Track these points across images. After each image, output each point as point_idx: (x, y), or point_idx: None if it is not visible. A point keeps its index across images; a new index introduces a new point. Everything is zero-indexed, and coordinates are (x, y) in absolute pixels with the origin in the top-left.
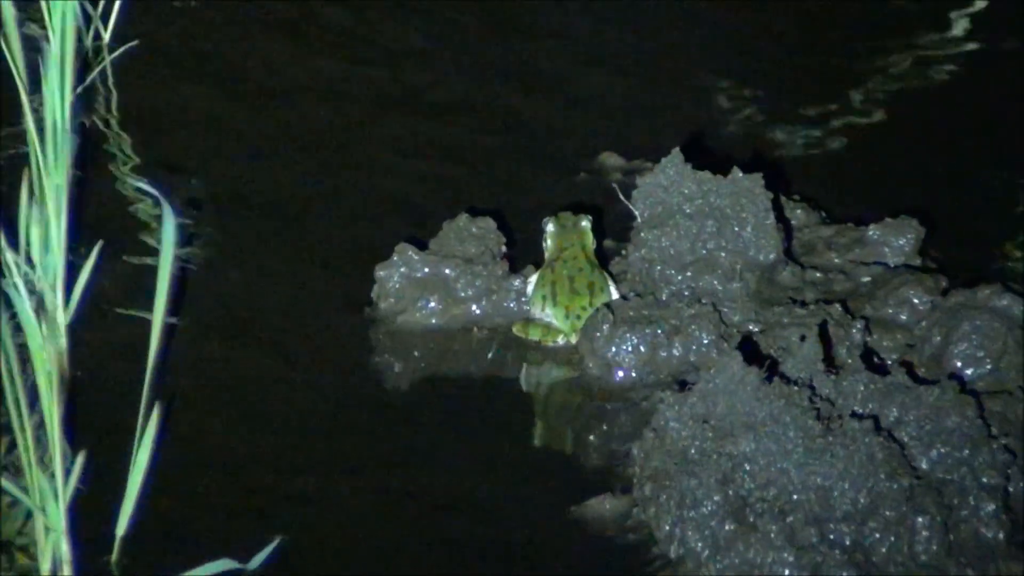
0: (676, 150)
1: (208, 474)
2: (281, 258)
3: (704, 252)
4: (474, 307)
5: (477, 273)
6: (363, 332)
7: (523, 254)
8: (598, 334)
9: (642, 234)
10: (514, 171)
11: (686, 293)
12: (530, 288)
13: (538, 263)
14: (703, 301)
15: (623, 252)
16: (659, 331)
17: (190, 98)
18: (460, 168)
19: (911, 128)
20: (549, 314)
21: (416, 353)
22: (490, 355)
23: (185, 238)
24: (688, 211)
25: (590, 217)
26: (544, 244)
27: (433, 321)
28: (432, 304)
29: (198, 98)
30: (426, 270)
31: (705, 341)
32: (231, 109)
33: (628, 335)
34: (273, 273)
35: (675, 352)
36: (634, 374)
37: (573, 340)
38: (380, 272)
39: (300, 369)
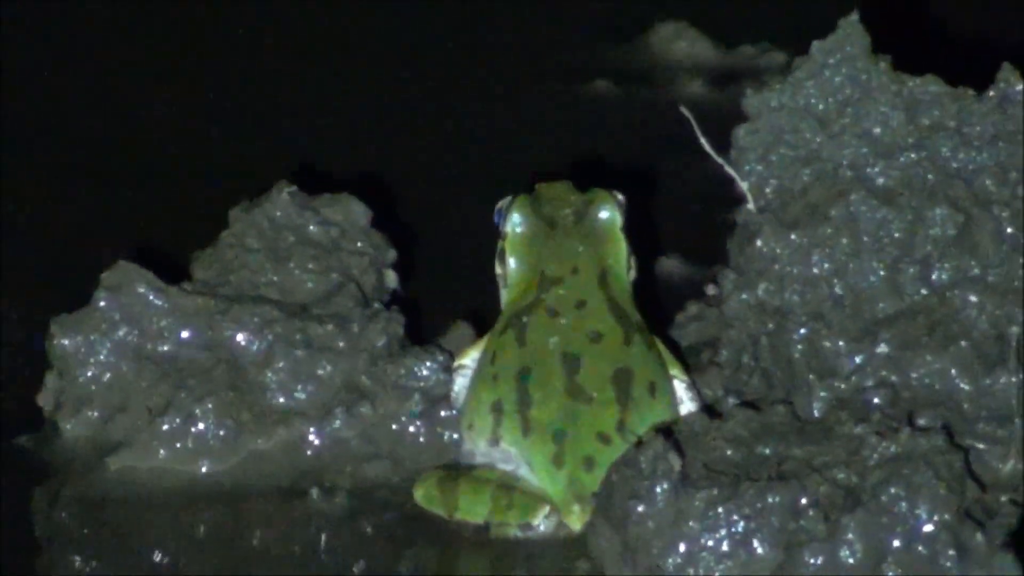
0: (851, 18)
1: None
2: None
3: (922, 291)
4: (311, 433)
5: (320, 341)
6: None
7: (442, 288)
8: (642, 508)
9: (759, 242)
10: (452, 65)
11: (875, 400)
12: (460, 384)
13: (481, 319)
14: (919, 424)
15: (709, 289)
16: (803, 500)
17: None
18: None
19: None
20: (510, 454)
21: (141, 562)
22: (356, 569)
23: None
24: (908, 156)
25: (620, 197)
26: (499, 264)
27: (203, 468)
28: (200, 425)
29: None
30: (184, 335)
31: (926, 528)
32: None
33: (723, 514)
34: None
35: (844, 558)
36: None
37: (575, 524)
38: (60, 340)
39: None
